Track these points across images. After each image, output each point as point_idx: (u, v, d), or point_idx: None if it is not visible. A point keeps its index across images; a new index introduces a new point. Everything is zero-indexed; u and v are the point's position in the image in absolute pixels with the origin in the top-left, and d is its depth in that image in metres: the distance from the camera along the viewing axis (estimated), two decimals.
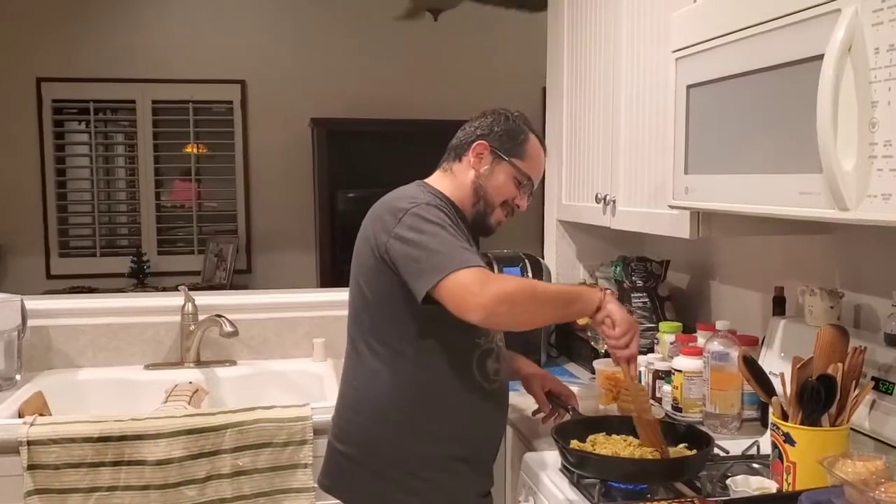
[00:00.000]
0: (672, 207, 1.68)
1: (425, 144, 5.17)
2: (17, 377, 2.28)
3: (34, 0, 5.17)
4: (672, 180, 1.65)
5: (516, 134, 1.73)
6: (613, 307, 1.57)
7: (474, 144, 1.72)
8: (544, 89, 5.68)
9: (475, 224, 1.73)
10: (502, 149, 1.71)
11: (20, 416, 2.03)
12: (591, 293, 1.59)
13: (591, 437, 1.62)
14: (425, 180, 1.76)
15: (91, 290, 4.92)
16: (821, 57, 1.14)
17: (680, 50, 1.61)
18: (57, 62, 5.23)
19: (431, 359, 1.61)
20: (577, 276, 2.59)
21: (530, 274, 2.27)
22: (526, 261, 2.32)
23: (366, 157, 5.24)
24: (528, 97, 5.59)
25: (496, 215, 1.73)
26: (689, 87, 1.59)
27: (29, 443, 1.85)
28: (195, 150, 5.64)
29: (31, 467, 1.85)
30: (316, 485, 1.94)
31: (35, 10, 5.18)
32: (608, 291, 1.61)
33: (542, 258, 2.58)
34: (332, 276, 5.19)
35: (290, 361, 2.52)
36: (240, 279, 5.48)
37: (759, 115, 1.36)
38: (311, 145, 5.49)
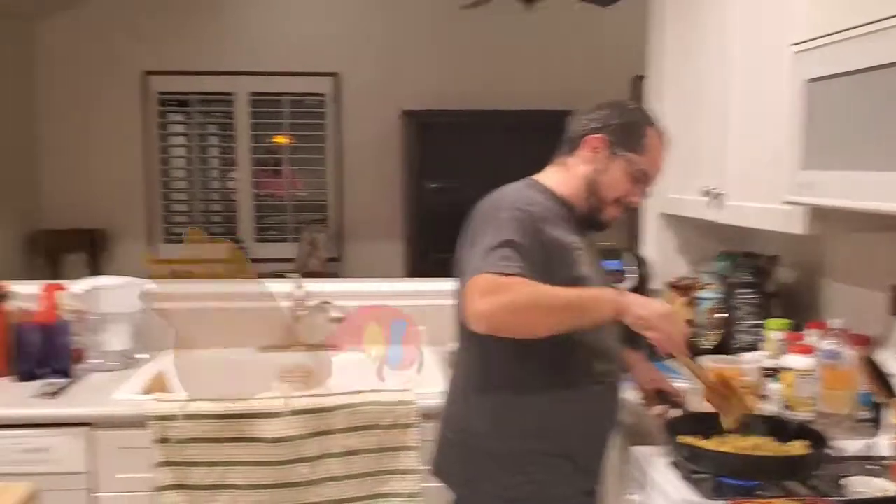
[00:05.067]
0: (788, 203, 1.67)
1: (514, 134, 5.25)
2: (140, 356, 2.42)
3: None
4: (788, 175, 1.64)
5: (634, 128, 1.68)
6: (639, 310, 1.52)
7: (589, 138, 1.68)
8: (635, 78, 5.65)
9: (587, 219, 1.70)
10: (618, 143, 1.66)
11: (146, 392, 2.15)
12: (607, 300, 1.53)
13: (701, 433, 1.62)
14: (536, 177, 1.74)
15: (192, 275, 5.12)
16: None
17: (800, 44, 1.59)
18: (162, 56, 5.45)
19: (529, 356, 1.59)
20: (678, 270, 2.57)
21: (635, 268, 2.28)
22: (626, 253, 2.32)
23: (455, 148, 5.28)
24: (618, 86, 5.57)
25: (609, 211, 1.70)
26: (808, 81, 1.57)
27: (158, 418, 1.97)
28: (287, 141, 5.79)
29: (159, 440, 1.97)
30: (423, 467, 2.02)
31: (143, 6, 5.41)
32: (628, 294, 1.59)
33: (637, 251, 2.57)
34: (420, 266, 5.26)
35: (392, 348, 2.58)
36: (331, 267, 5.61)
37: (885, 111, 1.34)
38: (401, 136, 5.57)
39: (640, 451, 1.73)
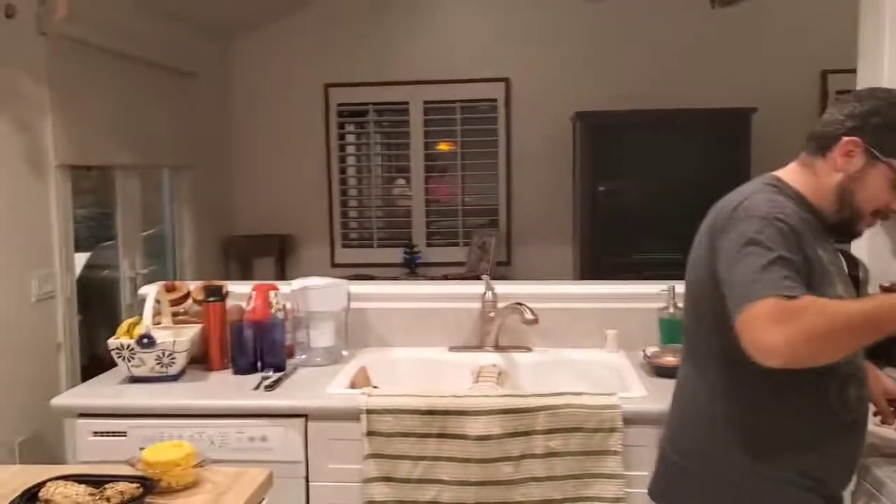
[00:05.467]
0: None
1: (687, 134, 5.10)
2: (344, 353, 2.55)
3: (324, 13, 5.69)
4: None
5: None
6: None
7: (844, 141, 1.48)
8: (823, 73, 5.34)
9: (838, 230, 1.54)
10: (879, 146, 1.45)
11: (352, 387, 2.27)
12: None
13: None
14: (778, 173, 1.57)
15: (369, 278, 5.34)
16: None
17: None
18: (342, 69, 5.72)
19: (776, 383, 1.44)
20: (893, 274, 2.41)
21: (846, 269, 2.15)
22: (840, 256, 2.19)
23: (627, 150, 5.19)
24: (803, 81, 5.30)
25: (865, 223, 1.53)
26: None
27: (368, 411, 2.07)
28: (453, 147, 5.91)
29: (369, 433, 2.07)
30: (626, 473, 2.01)
31: (323, 22, 5.70)
32: None
33: (849, 250, 2.43)
34: (592, 268, 5.21)
35: (582, 351, 2.58)
36: (500, 270, 5.67)
37: None
38: (571, 139, 5.55)
39: (874, 462, 1.63)
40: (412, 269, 5.72)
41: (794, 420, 1.48)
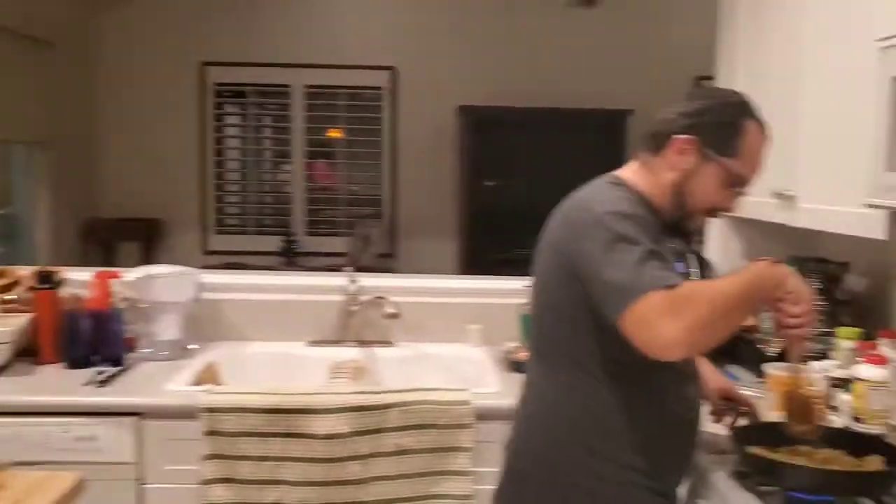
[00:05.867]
0: (869, 206, 1.58)
1: (571, 133, 5.17)
2: (191, 347, 2.41)
3: None
4: (870, 177, 1.54)
5: (730, 127, 1.45)
6: (797, 281, 1.37)
7: (677, 139, 1.46)
8: (697, 78, 5.51)
9: (672, 228, 1.51)
10: (712, 146, 1.45)
11: (197, 384, 2.15)
12: (773, 271, 1.37)
13: (770, 443, 1.54)
14: (618, 173, 1.54)
15: (243, 267, 5.16)
16: None
17: (888, 38, 1.50)
18: (221, 47, 5.49)
19: (626, 383, 1.44)
20: None
21: (698, 271, 2.18)
22: (689, 256, 2.23)
23: (512, 146, 5.23)
24: (678, 86, 5.45)
25: (698, 220, 1.53)
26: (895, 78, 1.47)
27: (208, 410, 1.95)
28: (342, 135, 5.79)
29: (208, 433, 1.95)
30: (476, 469, 1.97)
31: None
32: (782, 263, 1.41)
33: (701, 253, 2.49)
34: (473, 263, 5.22)
35: (445, 346, 2.54)
36: (384, 262, 5.61)
37: None
38: (457, 133, 5.53)
39: (703, 459, 1.65)
40: (290, 258, 5.57)
41: (639, 420, 1.47)
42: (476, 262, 5.18)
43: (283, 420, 1.95)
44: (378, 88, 5.68)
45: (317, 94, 5.70)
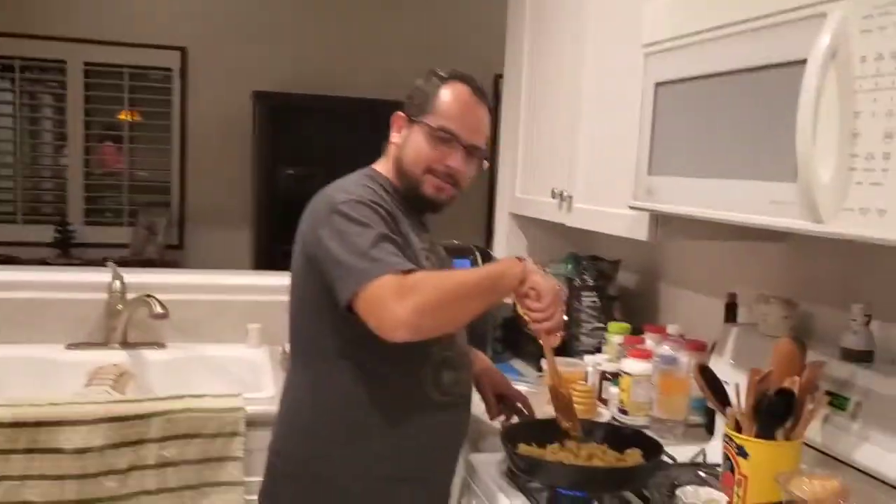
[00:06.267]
0: (632, 208, 1.63)
1: (368, 123, 5.09)
2: None
3: None
4: (634, 180, 1.60)
5: (424, 90, 1.57)
6: (537, 277, 1.43)
7: (393, 117, 1.60)
8: (497, 76, 5.66)
9: (414, 201, 1.57)
10: (412, 113, 1.56)
11: None
12: (513, 267, 1.44)
13: (540, 441, 1.57)
14: (374, 165, 1.63)
15: (11, 260, 4.66)
16: (803, 62, 1.10)
17: (651, 45, 1.56)
18: None
19: (372, 371, 1.47)
20: None
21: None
22: (477, 253, 2.25)
23: (308, 134, 5.09)
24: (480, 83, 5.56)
25: (427, 185, 1.55)
26: (657, 84, 1.54)
27: None
28: (128, 117, 5.39)
29: None
30: (248, 479, 1.86)
31: None
32: (527, 261, 1.47)
33: (491, 250, 2.53)
34: (268, 257, 5.04)
35: (222, 346, 2.40)
36: (171, 254, 5.28)
37: (732, 119, 1.31)
38: (251, 118, 5.31)
39: (475, 458, 1.66)
40: (65, 249, 5.10)
41: (392, 409, 1.49)
42: (271, 252, 5.00)
43: (26, 434, 1.74)
44: (168, 70, 5.33)
45: (98, 72, 5.26)
